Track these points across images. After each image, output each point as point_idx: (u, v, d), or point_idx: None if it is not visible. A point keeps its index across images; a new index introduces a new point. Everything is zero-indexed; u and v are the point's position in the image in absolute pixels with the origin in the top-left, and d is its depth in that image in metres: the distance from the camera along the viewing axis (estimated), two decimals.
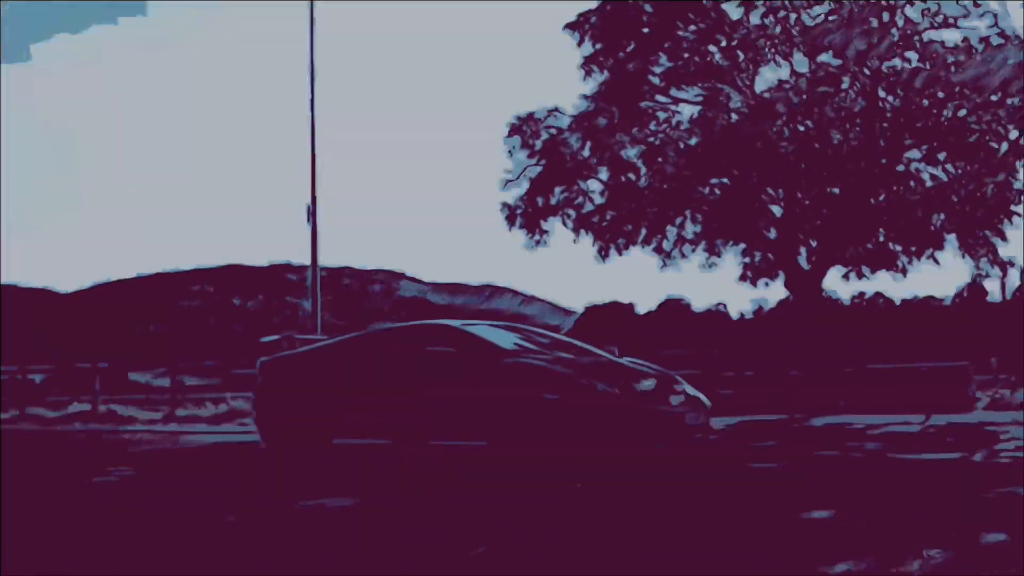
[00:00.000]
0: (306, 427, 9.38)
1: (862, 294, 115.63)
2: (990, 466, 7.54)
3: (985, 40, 16.69)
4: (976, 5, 16.46)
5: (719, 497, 5.75)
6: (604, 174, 18.57)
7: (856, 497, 5.82)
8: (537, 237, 18.95)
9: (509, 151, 19.43)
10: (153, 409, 24.54)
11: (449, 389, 8.35)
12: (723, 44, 18.16)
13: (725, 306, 41.47)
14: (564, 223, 18.84)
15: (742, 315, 47.18)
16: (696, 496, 5.83)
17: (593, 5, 18.60)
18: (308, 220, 19.70)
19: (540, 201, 18.75)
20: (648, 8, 17.54)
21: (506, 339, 9.17)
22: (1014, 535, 3.95)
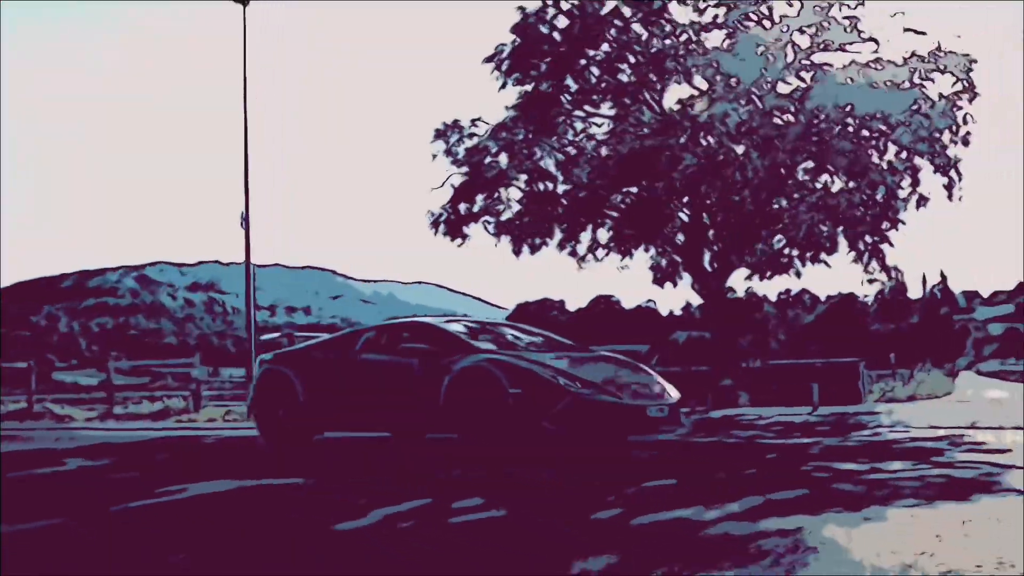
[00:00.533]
0: (300, 423, 9.69)
1: (788, 291, 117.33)
2: (832, 448, 8.85)
3: (870, 64, 18.26)
4: (859, 32, 17.97)
5: (594, 473, 6.96)
6: (523, 182, 19.79)
7: (704, 471, 7.08)
8: (459, 241, 20.11)
9: (434, 155, 20.55)
10: (88, 408, 24.96)
11: (424, 386, 8.56)
12: (633, 62, 19.50)
13: (655, 303, 42.18)
14: (485, 228, 20.03)
15: (671, 312, 48.33)
16: (571, 473, 7.03)
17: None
18: (242, 226, 20.48)
19: (463, 208, 19.89)
20: (557, 36, 18.79)
21: (485, 335, 9.40)
22: (804, 492, 5.28)
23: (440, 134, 20.37)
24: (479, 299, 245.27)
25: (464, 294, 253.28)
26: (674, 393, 8.74)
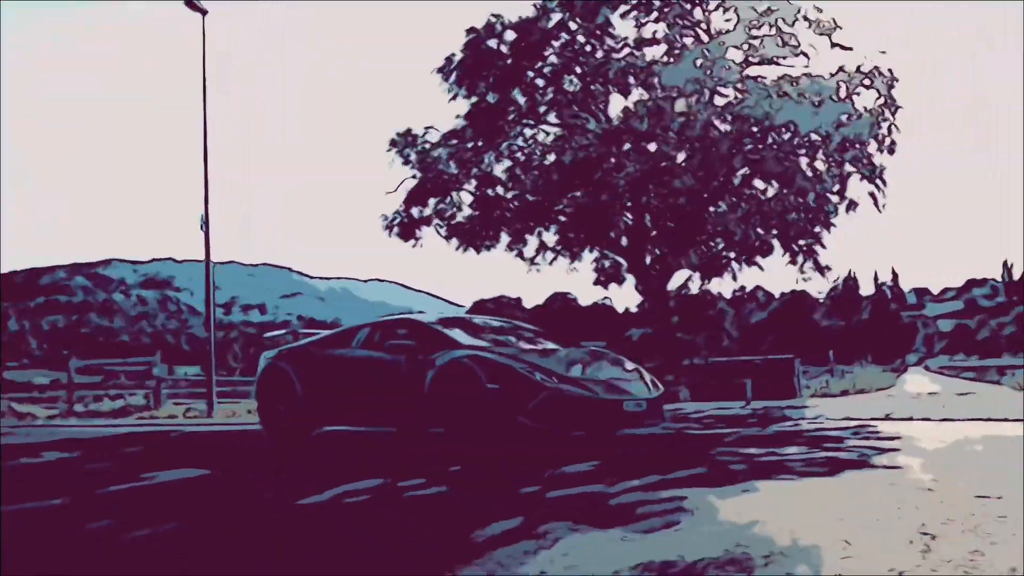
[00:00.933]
0: (299, 420, 9.95)
1: (743, 288, 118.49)
2: (747, 437, 9.78)
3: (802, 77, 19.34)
4: (791, 48, 19.04)
5: (532, 458, 7.82)
6: (472, 187, 20.67)
7: (624, 456, 7.98)
8: (412, 243, 20.94)
9: (390, 163, 21.34)
10: (47, 406, 25.31)
11: (411, 382, 8.75)
12: (579, 73, 20.43)
13: (611, 300, 43.29)
14: (437, 231, 20.87)
15: (627, 309, 49.28)
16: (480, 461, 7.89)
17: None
18: (202, 228, 21.08)
19: (415, 212, 20.72)
20: (504, 50, 19.68)
21: (472, 332, 9.48)
22: (702, 471, 6.26)
23: (395, 143, 21.17)
24: (436, 296, 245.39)
25: (421, 291, 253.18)
26: (655, 388, 8.87)
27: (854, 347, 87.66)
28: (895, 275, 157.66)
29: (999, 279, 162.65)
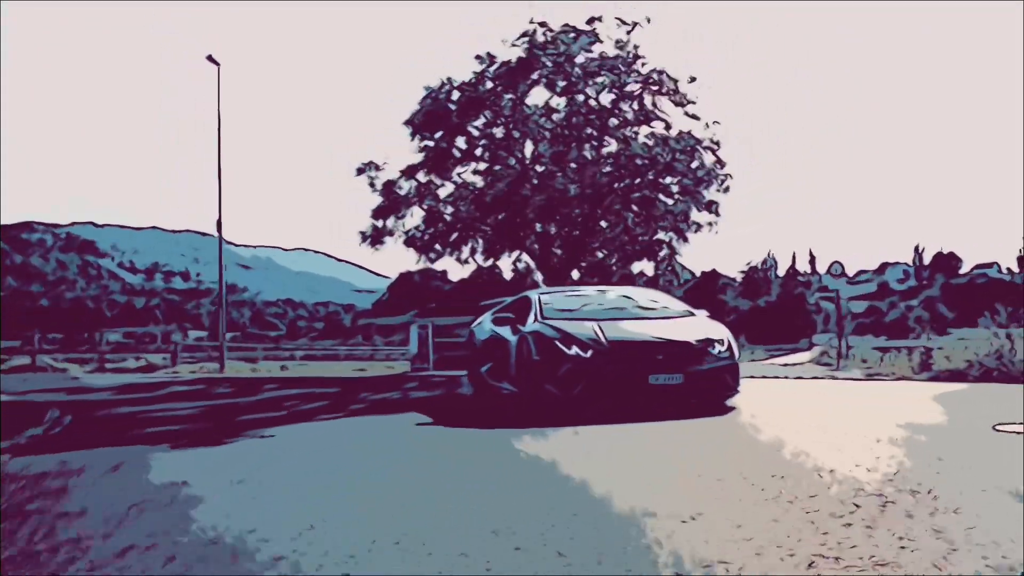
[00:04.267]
0: (483, 376, 12.52)
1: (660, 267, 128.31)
2: None
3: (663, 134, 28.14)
4: (656, 113, 27.86)
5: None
6: (425, 208, 29.11)
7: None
8: (378, 248, 29.30)
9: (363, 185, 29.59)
10: (80, 364, 32.72)
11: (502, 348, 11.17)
12: (503, 124, 28.93)
13: (523, 265, 50.68)
14: (397, 239, 29.29)
15: (545, 278, 57.87)
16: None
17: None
18: (217, 231, 29.18)
19: (380, 225, 29.13)
20: (452, 106, 28.10)
21: (571, 303, 11.40)
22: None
23: (361, 171, 29.43)
24: (362, 267, 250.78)
25: (347, 262, 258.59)
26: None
27: (762, 327, 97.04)
28: (812, 257, 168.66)
29: (911, 263, 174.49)
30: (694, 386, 9.58)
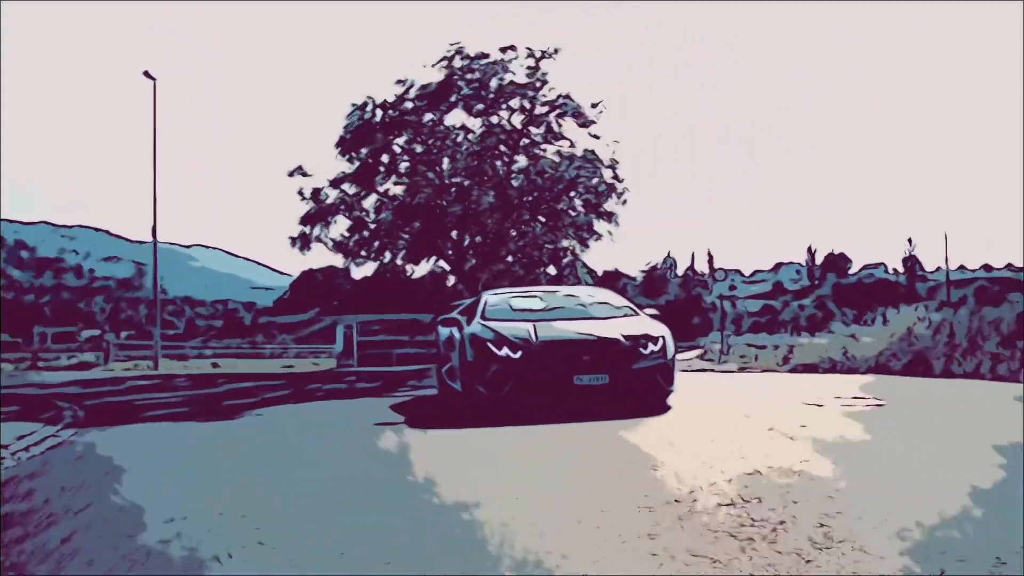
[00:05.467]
0: (443, 376, 12.32)
1: (563, 267, 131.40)
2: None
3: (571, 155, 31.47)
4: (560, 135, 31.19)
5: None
6: (351, 218, 31.88)
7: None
8: (308, 252, 32.00)
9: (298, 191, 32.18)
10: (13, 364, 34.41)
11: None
12: (422, 141, 31.89)
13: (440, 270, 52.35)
14: (325, 246, 31.99)
15: (456, 281, 59.97)
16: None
17: None
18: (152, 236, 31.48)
19: (308, 231, 31.82)
20: (376, 124, 30.97)
21: (518, 303, 11.53)
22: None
23: (291, 174, 32.06)
24: (263, 264, 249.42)
25: (247, 259, 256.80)
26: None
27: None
28: (710, 257, 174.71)
29: (803, 263, 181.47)
30: (623, 387, 9.56)
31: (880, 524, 4.22)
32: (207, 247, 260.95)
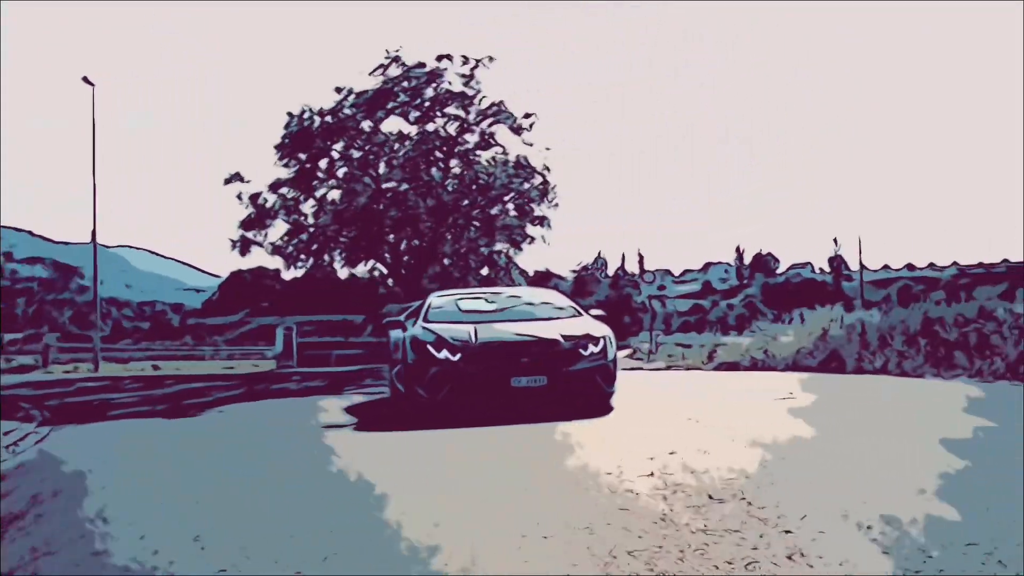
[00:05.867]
0: (393, 378, 11.74)
1: (498, 268, 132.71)
2: None
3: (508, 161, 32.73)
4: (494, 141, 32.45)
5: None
6: (289, 221, 32.80)
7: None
8: (248, 255, 32.91)
9: (237, 195, 32.96)
10: None
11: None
12: (359, 146, 32.91)
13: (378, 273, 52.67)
14: (265, 250, 32.92)
15: (388, 285, 60.84)
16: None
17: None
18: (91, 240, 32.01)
19: (249, 235, 32.67)
20: (315, 130, 31.95)
21: (464, 304, 11.40)
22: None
23: (228, 181, 32.84)
24: (191, 265, 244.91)
25: (174, 260, 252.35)
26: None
27: None
28: (640, 257, 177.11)
29: (732, 263, 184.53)
30: (562, 388, 9.50)
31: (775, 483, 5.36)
32: (134, 247, 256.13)
